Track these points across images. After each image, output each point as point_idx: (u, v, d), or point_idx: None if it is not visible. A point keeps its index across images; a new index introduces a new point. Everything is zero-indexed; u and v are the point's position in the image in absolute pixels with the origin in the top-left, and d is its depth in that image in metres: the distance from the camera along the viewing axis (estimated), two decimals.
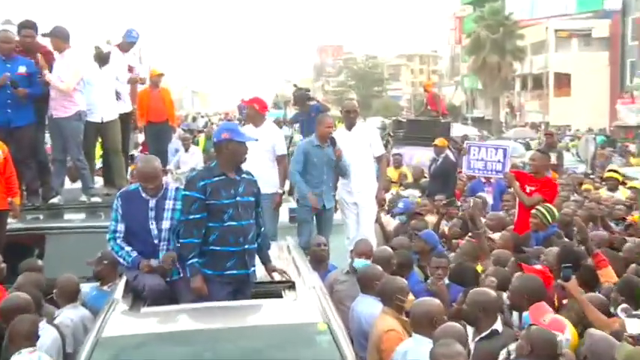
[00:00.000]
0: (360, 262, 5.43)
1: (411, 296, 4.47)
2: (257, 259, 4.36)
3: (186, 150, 12.79)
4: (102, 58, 7.04)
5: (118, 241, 4.32)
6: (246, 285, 4.24)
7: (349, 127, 6.97)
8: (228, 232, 4.17)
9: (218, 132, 4.36)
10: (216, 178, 4.22)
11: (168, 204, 4.35)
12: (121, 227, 4.32)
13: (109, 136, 7.22)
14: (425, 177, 10.72)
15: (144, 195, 4.35)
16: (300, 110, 9.84)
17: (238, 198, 4.22)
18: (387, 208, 8.10)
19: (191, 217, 4.17)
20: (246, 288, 4.25)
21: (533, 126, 36.72)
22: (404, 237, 6.60)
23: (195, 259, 4.17)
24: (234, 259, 4.18)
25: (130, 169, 7.92)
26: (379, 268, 4.85)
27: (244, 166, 4.36)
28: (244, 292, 4.23)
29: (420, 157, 13.06)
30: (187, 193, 4.21)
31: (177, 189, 4.41)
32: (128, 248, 4.30)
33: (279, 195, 6.71)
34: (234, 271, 4.19)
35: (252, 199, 4.30)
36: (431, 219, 7.56)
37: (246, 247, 4.21)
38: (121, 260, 4.32)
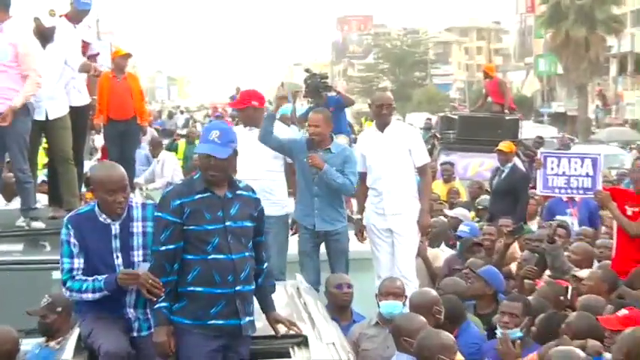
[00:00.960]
0: (389, 306, 5.51)
1: (460, 357, 4.53)
2: (257, 305, 4.41)
3: (154, 156, 12.76)
4: (44, 35, 7.03)
5: (77, 278, 4.32)
6: (239, 340, 4.25)
7: (381, 126, 7.04)
8: (213, 268, 4.20)
9: (202, 137, 4.45)
10: (198, 196, 4.26)
11: (137, 226, 4.38)
12: (78, 263, 4.33)
13: (57, 139, 7.19)
14: (485, 194, 10.87)
15: (103, 218, 4.36)
16: (314, 104, 9.98)
17: (228, 223, 4.25)
18: (433, 236, 8.24)
19: (162, 247, 4.23)
20: (240, 344, 4.26)
21: (634, 125, 36.53)
22: (456, 277, 6.71)
23: (164, 304, 4.20)
24: (222, 305, 4.20)
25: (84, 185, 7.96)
26: (420, 318, 4.91)
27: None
28: (237, 350, 4.24)
29: (477, 167, 13.27)
30: (159, 214, 4.26)
31: (144, 205, 4.46)
32: (92, 278, 4.29)
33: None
34: (221, 321, 4.19)
35: (250, 224, 4.34)
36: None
37: (239, 288, 4.23)
38: (89, 296, 4.27)
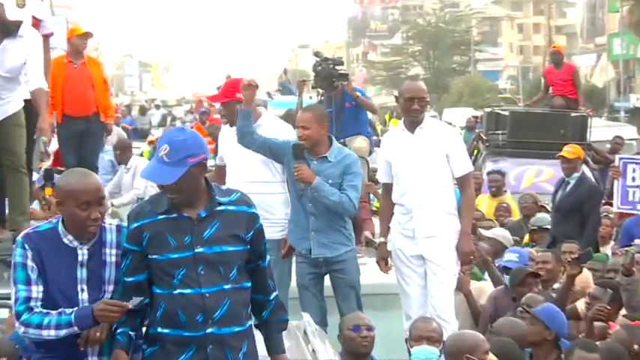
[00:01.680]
0: (422, 353, 5.54)
1: (492, 357, 4.59)
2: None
3: (121, 163, 12.64)
4: (5, 28, 7.06)
5: (37, 310, 4.26)
6: None
7: (411, 126, 7.06)
8: (179, 306, 4.27)
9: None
10: (162, 217, 4.34)
11: (109, 254, 4.43)
12: (37, 291, 4.29)
13: (3, 142, 7.18)
14: (542, 211, 10.82)
15: (68, 240, 4.37)
16: (325, 96, 10.06)
17: (199, 249, 4.31)
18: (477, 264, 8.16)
19: (124, 278, 4.37)
20: None
21: None
22: (510, 317, 6.72)
23: (127, 329, 4.33)
24: (192, 352, 4.27)
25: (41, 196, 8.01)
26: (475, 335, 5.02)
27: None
28: None
29: (534, 177, 13.26)
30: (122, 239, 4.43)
31: (119, 228, 4.49)
32: (56, 311, 4.25)
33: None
34: None
35: (235, 248, 4.38)
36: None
37: (211, 330, 4.27)
38: (51, 333, 4.22)
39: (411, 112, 7.01)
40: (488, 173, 12.55)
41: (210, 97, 8.05)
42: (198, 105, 32.91)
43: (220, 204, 4.37)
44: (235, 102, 7.19)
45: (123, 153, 12.66)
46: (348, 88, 10.03)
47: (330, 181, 6.88)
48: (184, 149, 4.26)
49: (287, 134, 7.28)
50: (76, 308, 4.25)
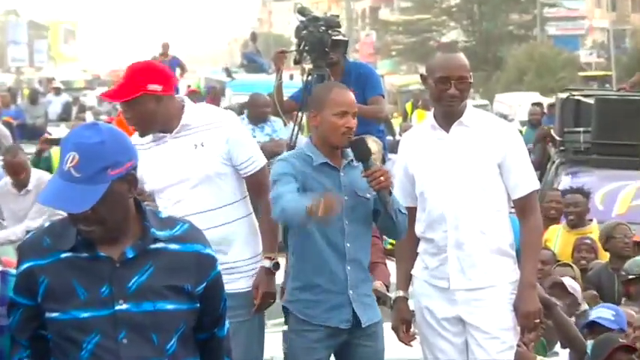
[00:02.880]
0: None
1: None
2: None
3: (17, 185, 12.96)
4: None
5: None
6: None
7: (446, 120, 7.12)
8: None
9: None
10: (68, 255, 4.41)
11: None
12: None
13: None
14: None
15: None
16: (315, 75, 10.15)
17: (122, 306, 4.38)
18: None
19: (15, 337, 4.48)
20: None
21: None
22: None
23: None
24: None
25: None
26: None
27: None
28: None
29: (634, 197, 13.46)
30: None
31: (4, 275, 4.59)
32: None
33: (267, 280, 7.15)
34: None
35: (176, 306, 4.43)
36: None
37: None
38: None
39: (446, 99, 7.00)
40: (564, 193, 12.55)
41: (105, 93, 7.76)
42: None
43: (157, 239, 4.42)
44: (148, 97, 7.05)
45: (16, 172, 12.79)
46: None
47: (367, 195, 7.00)
48: (102, 157, 4.30)
49: (233, 126, 7.26)
50: None
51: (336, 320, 6.99)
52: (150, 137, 7.14)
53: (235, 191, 7.22)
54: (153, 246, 4.41)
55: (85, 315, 4.32)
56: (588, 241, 11.64)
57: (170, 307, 4.40)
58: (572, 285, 9.43)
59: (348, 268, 7.00)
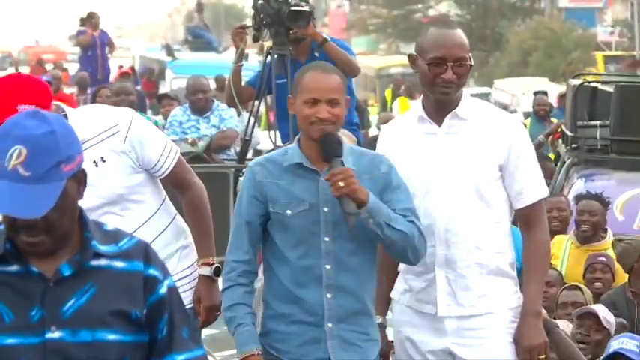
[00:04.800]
0: None
1: None
2: None
3: None
4: None
5: None
6: None
7: (439, 111, 6.81)
8: None
9: None
10: None
11: None
12: None
13: None
14: None
15: None
16: (275, 55, 10.06)
17: (54, 334, 4.29)
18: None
19: None
20: None
21: None
22: None
23: None
24: None
25: None
26: None
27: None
28: None
29: None
30: None
31: None
32: None
33: (208, 290, 7.07)
34: None
35: (119, 336, 4.34)
36: None
37: None
38: None
39: (440, 85, 6.63)
40: (577, 199, 12.02)
41: None
42: (36, 67, 32.70)
43: (99, 254, 4.28)
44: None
45: None
46: (306, 34, 9.96)
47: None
48: (54, 150, 4.16)
49: (138, 123, 6.92)
50: None
51: (311, 358, 6.62)
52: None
53: (154, 198, 7.08)
54: (94, 262, 4.28)
55: (10, 341, 4.23)
56: (604, 259, 11.15)
57: (112, 337, 4.29)
58: (607, 317, 9.18)
59: (328, 295, 6.52)
